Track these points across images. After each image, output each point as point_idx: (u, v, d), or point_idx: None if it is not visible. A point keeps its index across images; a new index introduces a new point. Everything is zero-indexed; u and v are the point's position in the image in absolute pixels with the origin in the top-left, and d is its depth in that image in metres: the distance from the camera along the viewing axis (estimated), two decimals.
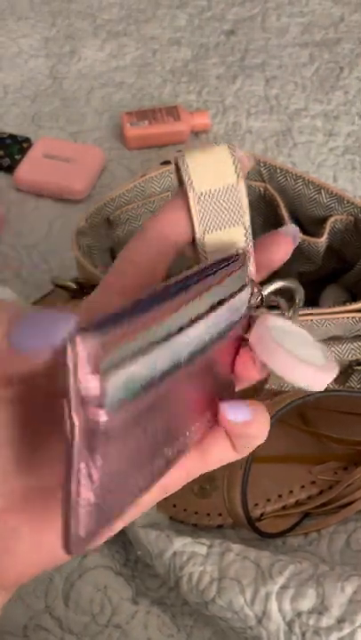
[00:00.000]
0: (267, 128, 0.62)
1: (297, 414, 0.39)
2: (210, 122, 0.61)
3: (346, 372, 0.37)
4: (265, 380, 0.31)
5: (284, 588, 0.30)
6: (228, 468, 0.36)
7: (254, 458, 0.37)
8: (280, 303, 0.22)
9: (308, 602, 0.29)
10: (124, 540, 0.35)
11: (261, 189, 0.40)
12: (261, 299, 0.22)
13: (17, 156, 0.57)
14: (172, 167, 0.40)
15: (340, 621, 0.29)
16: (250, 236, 0.21)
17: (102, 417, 0.14)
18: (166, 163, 0.42)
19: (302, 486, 0.38)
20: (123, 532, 0.34)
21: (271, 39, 0.71)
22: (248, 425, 0.19)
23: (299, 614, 0.29)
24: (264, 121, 0.62)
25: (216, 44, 0.70)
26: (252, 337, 0.20)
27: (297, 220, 0.40)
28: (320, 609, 0.29)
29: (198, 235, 0.21)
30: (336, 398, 0.38)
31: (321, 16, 0.73)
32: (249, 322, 0.21)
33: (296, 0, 0.75)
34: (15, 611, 0.33)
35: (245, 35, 0.71)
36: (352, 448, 0.39)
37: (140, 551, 0.32)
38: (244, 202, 0.21)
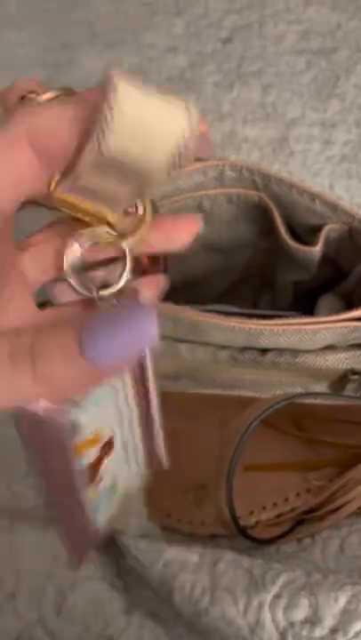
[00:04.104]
0: (263, 136, 0.62)
1: (292, 423, 0.39)
2: (206, 130, 0.61)
3: (341, 381, 0.37)
4: None
5: (277, 597, 0.30)
6: (216, 474, 0.36)
7: (248, 466, 0.37)
8: None
9: (301, 612, 0.29)
10: (115, 551, 0.35)
11: (256, 198, 0.40)
12: None
13: None
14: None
15: (334, 632, 0.28)
16: None
17: None
18: None
19: (298, 494, 0.38)
20: (114, 543, 0.34)
21: (268, 47, 0.71)
22: None
23: (292, 624, 0.29)
24: (261, 129, 0.62)
25: (213, 51, 0.71)
26: None
27: (292, 229, 0.40)
28: (313, 619, 0.29)
29: None
30: (332, 408, 0.38)
31: (318, 23, 0.74)
32: None
33: (293, 7, 0.75)
34: (7, 623, 0.33)
35: (242, 42, 0.71)
36: (348, 452, 0.39)
37: (132, 562, 0.32)
38: None
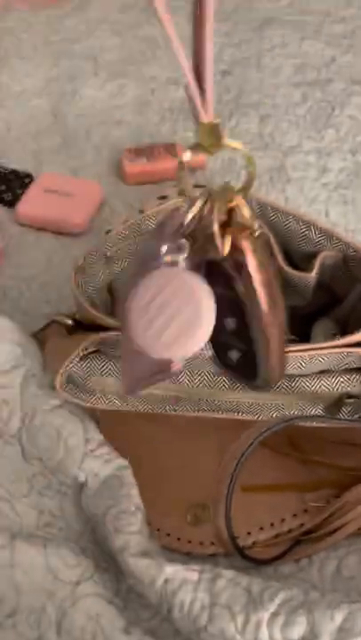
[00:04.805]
0: (261, 164, 0.63)
1: (288, 443, 0.40)
2: (206, 158, 0.63)
3: (337, 404, 0.38)
4: None
5: (275, 615, 0.30)
6: (215, 496, 0.36)
7: (246, 486, 0.38)
8: None
9: (298, 629, 0.30)
10: (115, 569, 0.35)
11: None
12: None
13: (19, 191, 0.59)
14: (167, 204, 0.41)
15: None
16: None
17: None
18: (163, 197, 0.44)
19: (295, 515, 0.39)
20: (114, 561, 0.34)
21: (265, 79, 0.73)
22: None
23: None
24: (259, 157, 0.64)
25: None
26: None
27: (288, 255, 0.42)
28: (310, 637, 0.29)
29: None
30: (329, 430, 0.39)
31: (314, 57, 0.76)
32: None
33: (290, 42, 0.78)
34: None
35: (241, 75, 0.74)
36: (345, 474, 0.40)
37: (132, 580, 0.33)
38: None
